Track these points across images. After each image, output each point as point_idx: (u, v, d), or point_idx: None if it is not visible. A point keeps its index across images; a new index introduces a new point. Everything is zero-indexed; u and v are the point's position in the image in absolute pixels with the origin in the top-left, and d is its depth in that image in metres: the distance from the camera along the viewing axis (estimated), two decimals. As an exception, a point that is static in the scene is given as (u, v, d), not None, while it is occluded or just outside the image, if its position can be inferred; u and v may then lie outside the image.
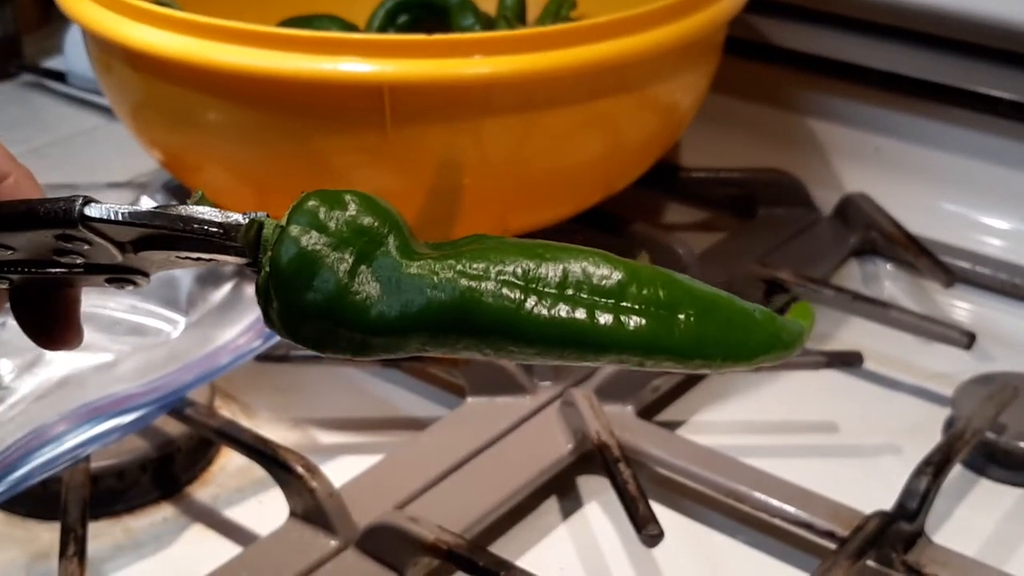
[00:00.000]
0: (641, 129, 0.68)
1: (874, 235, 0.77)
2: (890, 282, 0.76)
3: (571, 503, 0.59)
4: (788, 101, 0.85)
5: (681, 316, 0.31)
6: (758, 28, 0.83)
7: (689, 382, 0.67)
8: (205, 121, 0.65)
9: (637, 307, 0.31)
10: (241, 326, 0.61)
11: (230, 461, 0.62)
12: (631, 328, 0.30)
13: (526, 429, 0.60)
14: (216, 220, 0.30)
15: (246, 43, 0.59)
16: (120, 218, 0.30)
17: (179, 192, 0.73)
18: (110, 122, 0.91)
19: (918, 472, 0.53)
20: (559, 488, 0.60)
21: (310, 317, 0.30)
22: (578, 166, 0.66)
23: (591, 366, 0.31)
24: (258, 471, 0.58)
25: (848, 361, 0.63)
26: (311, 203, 0.31)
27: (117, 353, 0.61)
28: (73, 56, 0.99)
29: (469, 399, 0.62)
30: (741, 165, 0.83)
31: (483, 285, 0.30)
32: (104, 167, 0.86)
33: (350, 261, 0.30)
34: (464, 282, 0.30)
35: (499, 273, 0.30)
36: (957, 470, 0.59)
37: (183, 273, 0.64)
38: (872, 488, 0.56)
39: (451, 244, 0.32)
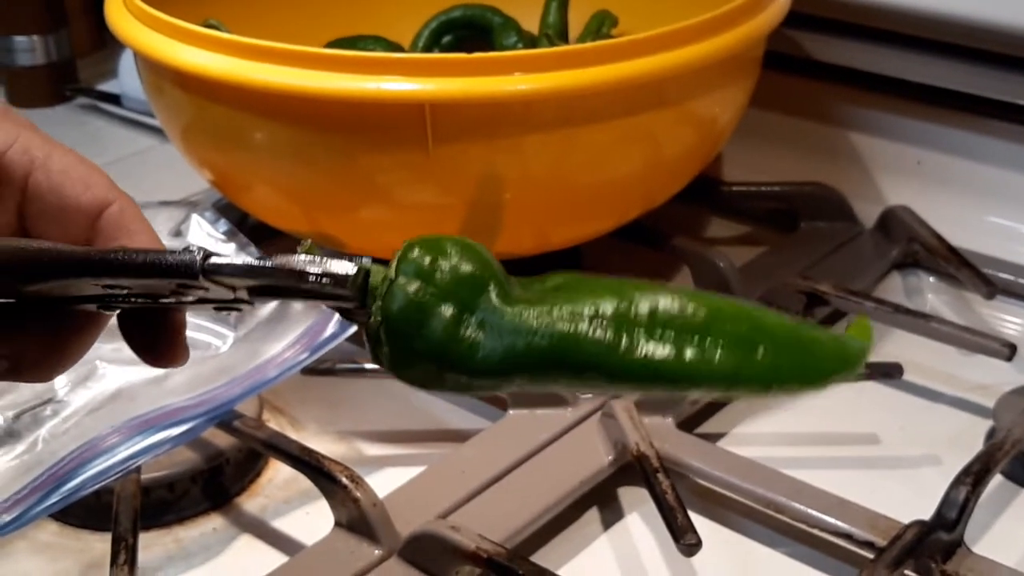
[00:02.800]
0: (680, 143, 0.69)
1: (916, 247, 0.77)
2: (933, 295, 0.77)
3: (612, 514, 0.60)
4: (829, 115, 0.85)
5: (760, 348, 0.33)
6: (798, 42, 0.84)
7: (730, 394, 0.67)
8: (252, 141, 0.66)
9: (720, 342, 0.33)
10: (287, 340, 0.62)
11: (278, 473, 0.63)
12: (715, 363, 0.33)
13: (567, 441, 0.61)
14: (327, 273, 0.32)
15: (292, 63, 0.60)
16: (239, 272, 0.32)
17: (228, 210, 0.74)
18: (163, 143, 0.93)
19: (957, 482, 0.54)
20: (600, 499, 0.60)
21: (419, 361, 0.33)
22: (618, 180, 0.67)
23: (680, 396, 0.34)
24: (305, 483, 0.59)
25: (888, 372, 0.63)
26: (415, 253, 0.33)
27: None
28: (127, 79, 1.02)
29: (511, 411, 0.63)
30: (783, 179, 0.83)
31: (579, 327, 0.32)
32: (157, 186, 0.88)
33: (455, 309, 0.32)
34: (561, 326, 0.33)
35: (592, 316, 0.33)
36: (997, 480, 0.59)
37: (232, 289, 0.66)
38: (912, 499, 0.57)
39: (540, 281, 0.34)
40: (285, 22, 0.76)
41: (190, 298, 0.34)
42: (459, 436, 0.64)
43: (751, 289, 0.72)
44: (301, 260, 0.32)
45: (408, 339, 0.32)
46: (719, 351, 0.33)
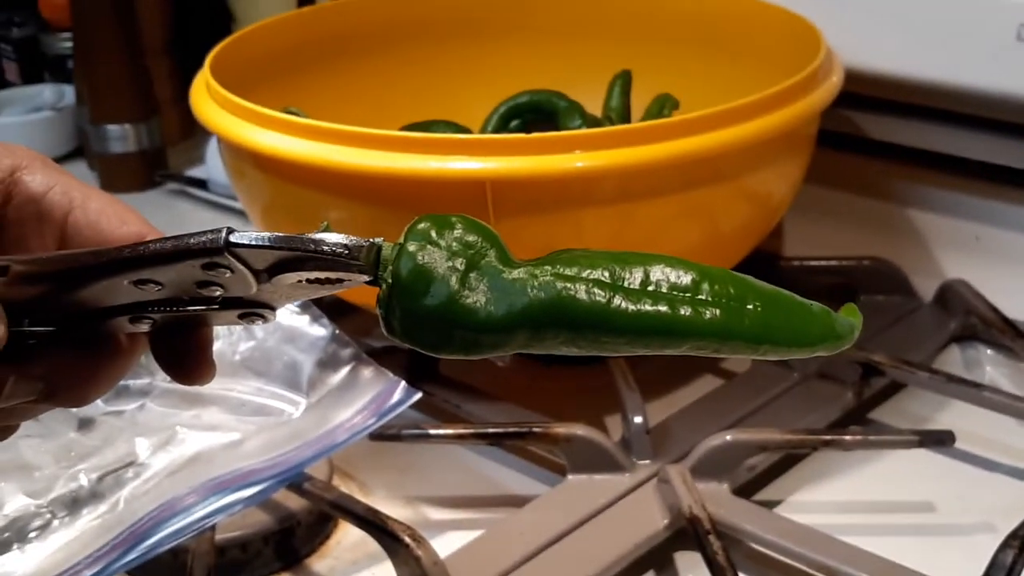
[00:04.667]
0: (736, 218, 0.71)
1: (974, 320, 0.78)
2: (991, 367, 0.77)
3: (668, 578, 0.61)
4: (888, 191, 0.87)
5: (749, 306, 0.35)
6: (855, 122, 0.86)
7: (786, 463, 0.69)
8: (327, 219, 0.69)
9: (711, 300, 0.35)
10: (357, 406, 0.65)
11: (347, 536, 0.65)
12: (707, 317, 0.34)
13: (623, 505, 0.63)
14: (342, 242, 0.35)
15: (362, 145, 0.64)
16: (261, 242, 0.34)
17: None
18: (247, 225, 0.97)
19: (1005, 545, 0.54)
20: (656, 563, 0.62)
21: (428, 321, 0.35)
22: (676, 254, 0.67)
23: (672, 353, 0.35)
24: (372, 545, 0.61)
25: (940, 440, 0.64)
26: (423, 225, 0.35)
27: (243, 432, 0.65)
28: (213, 165, 1.06)
29: (569, 476, 0.65)
30: (842, 254, 0.85)
31: (577, 285, 0.34)
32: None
33: (460, 271, 0.35)
34: (560, 283, 0.35)
35: (590, 275, 0.35)
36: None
37: (305, 358, 0.69)
38: (966, 566, 0.57)
39: (542, 257, 0.36)
40: (362, 111, 0.79)
41: (216, 294, 0.36)
42: (519, 501, 0.66)
43: (806, 360, 0.73)
44: (318, 235, 0.35)
45: (417, 298, 0.34)
46: (711, 308, 0.34)
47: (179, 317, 0.37)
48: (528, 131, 0.85)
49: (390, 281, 0.35)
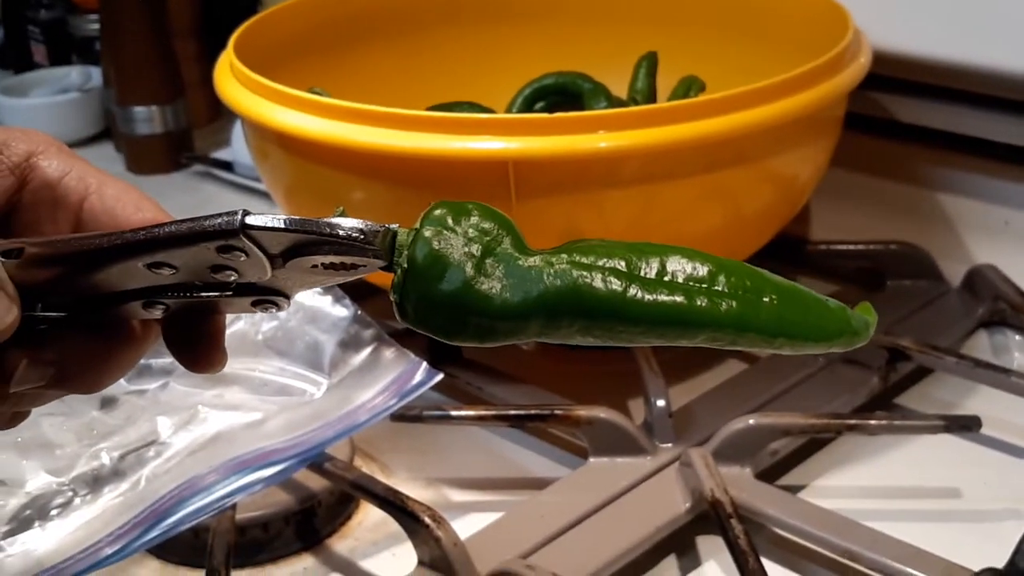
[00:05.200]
0: (760, 201, 0.70)
1: (1002, 306, 0.77)
2: (1020, 353, 0.77)
3: (690, 562, 0.61)
4: (916, 175, 0.86)
5: (766, 299, 0.34)
6: (884, 105, 0.85)
7: (809, 448, 0.68)
8: (350, 199, 0.69)
9: (727, 291, 0.34)
10: (378, 387, 0.65)
11: (367, 516, 0.65)
12: (723, 309, 0.34)
13: (645, 488, 0.62)
14: (357, 227, 0.34)
15: (385, 124, 0.64)
16: (276, 224, 0.34)
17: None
18: (271, 207, 0.97)
19: (1030, 533, 0.54)
20: (678, 547, 0.61)
21: (442, 306, 0.34)
22: (698, 237, 0.68)
23: (687, 345, 0.34)
24: (392, 526, 0.61)
25: (966, 425, 0.64)
26: (439, 211, 0.35)
27: (265, 412, 0.65)
28: (239, 147, 1.06)
29: (591, 459, 0.65)
30: (869, 238, 0.84)
31: (593, 274, 0.34)
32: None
33: (476, 257, 0.34)
34: (576, 271, 0.34)
35: (606, 264, 0.34)
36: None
37: (327, 339, 0.69)
38: (991, 552, 0.56)
39: (558, 246, 0.36)
40: (386, 93, 0.79)
41: (231, 279, 0.36)
42: (541, 484, 0.65)
43: (833, 345, 0.72)
44: (333, 219, 0.34)
45: (432, 283, 0.34)
46: (727, 299, 0.34)
47: (192, 303, 0.37)
48: (553, 113, 0.85)
49: (405, 266, 0.34)
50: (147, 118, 1.10)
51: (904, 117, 0.85)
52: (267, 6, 1.10)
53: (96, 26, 1.20)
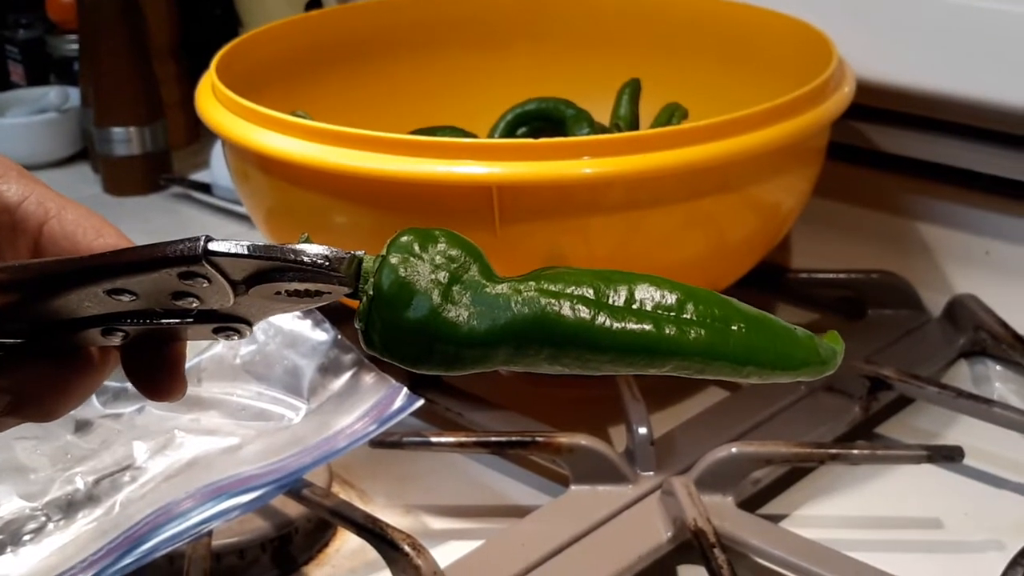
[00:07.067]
0: (743, 229, 0.70)
1: (983, 336, 0.77)
2: (1000, 383, 0.77)
3: (671, 592, 0.61)
4: (897, 205, 0.86)
5: (734, 327, 0.34)
6: (866, 135, 0.85)
7: (791, 477, 0.68)
8: (332, 223, 0.69)
9: (696, 320, 0.34)
10: (358, 412, 0.64)
11: (345, 543, 0.65)
12: (692, 337, 0.34)
13: (626, 517, 0.62)
14: (323, 253, 0.34)
15: (367, 148, 0.63)
16: (240, 251, 0.33)
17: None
18: (250, 229, 0.97)
19: (1013, 563, 0.54)
20: (660, 577, 0.61)
21: (408, 334, 0.34)
22: (682, 264, 0.68)
23: (655, 373, 0.34)
24: (370, 553, 0.60)
25: (949, 455, 0.63)
26: (406, 238, 0.34)
27: (243, 437, 0.65)
28: (218, 169, 1.06)
29: (572, 487, 0.64)
30: (851, 267, 0.84)
31: (561, 301, 0.34)
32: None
33: (443, 284, 0.34)
34: (544, 299, 0.34)
35: (575, 291, 0.34)
36: (1057, 564, 0.59)
37: (306, 363, 0.68)
38: (974, 583, 0.57)
39: (525, 274, 0.36)
40: (369, 116, 0.79)
41: (192, 305, 0.35)
42: (521, 511, 0.65)
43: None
44: (298, 245, 0.34)
45: (399, 311, 0.34)
46: (695, 328, 0.34)
47: (152, 330, 0.36)
48: (536, 138, 0.85)
49: (371, 293, 0.34)
50: (125, 139, 1.09)
51: (886, 147, 0.85)
52: (249, 28, 1.10)
53: (75, 46, 1.19)
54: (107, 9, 1.06)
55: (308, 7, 1.10)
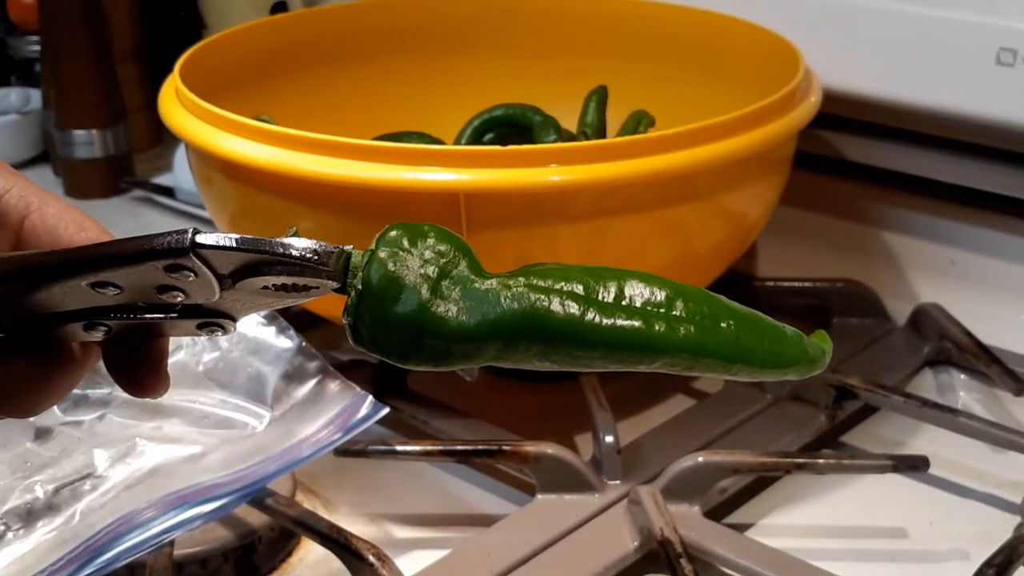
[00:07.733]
0: (710, 237, 0.70)
1: (948, 345, 0.77)
2: (964, 392, 0.77)
3: (638, 602, 0.60)
4: (863, 214, 0.86)
5: (723, 324, 0.34)
6: (832, 144, 0.86)
7: (757, 486, 0.68)
8: (297, 229, 0.68)
9: (685, 316, 0.34)
10: (322, 420, 0.64)
11: (309, 553, 0.64)
12: (681, 334, 0.34)
13: (593, 526, 0.62)
14: (311, 247, 0.33)
15: (333, 154, 0.63)
16: (227, 243, 0.33)
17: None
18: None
19: (978, 574, 0.54)
20: (626, 586, 0.61)
21: (397, 329, 0.34)
22: (649, 271, 0.68)
23: (644, 370, 0.34)
24: (334, 563, 0.60)
25: (914, 465, 0.64)
26: (395, 232, 0.34)
27: (205, 445, 0.64)
28: (181, 173, 1.05)
29: (539, 496, 0.64)
30: (816, 276, 0.84)
31: (551, 297, 0.34)
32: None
33: (432, 279, 0.34)
34: (534, 295, 0.34)
35: (564, 287, 0.34)
36: (1020, 573, 0.59)
37: (270, 371, 0.67)
38: (939, 593, 0.57)
39: (515, 269, 0.36)
40: (335, 121, 0.78)
41: (177, 299, 0.34)
42: (487, 520, 0.64)
43: (781, 382, 0.72)
44: (286, 239, 0.33)
45: (387, 306, 0.33)
46: (685, 324, 0.34)
47: (135, 325, 0.36)
48: (502, 145, 0.84)
49: (359, 288, 0.34)
50: (87, 141, 1.08)
51: (852, 156, 0.85)
52: (213, 31, 1.09)
53: (36, 47, 1.18)
54: (69, 10, 1.05)
55: (273, 10, 1.09)
